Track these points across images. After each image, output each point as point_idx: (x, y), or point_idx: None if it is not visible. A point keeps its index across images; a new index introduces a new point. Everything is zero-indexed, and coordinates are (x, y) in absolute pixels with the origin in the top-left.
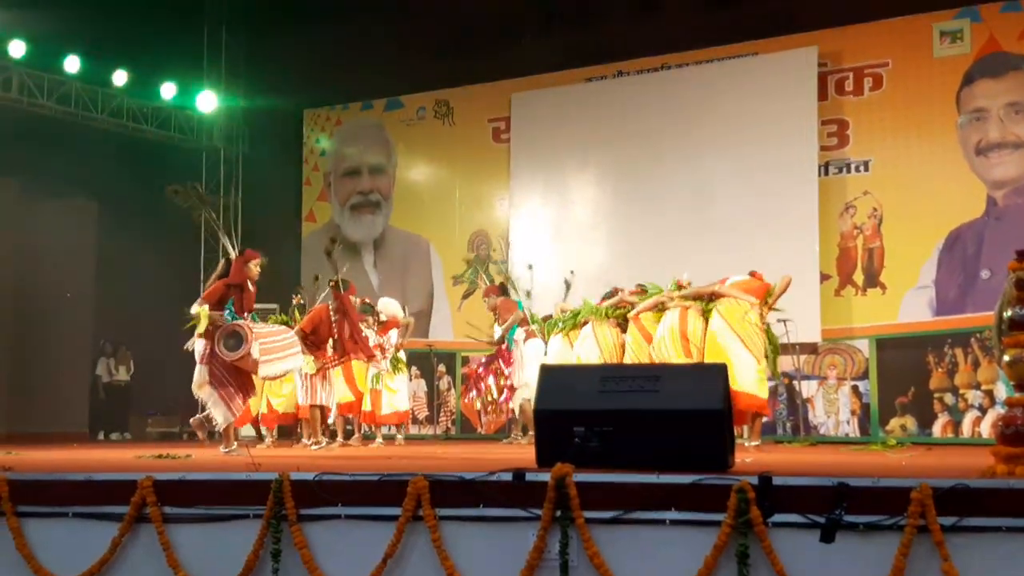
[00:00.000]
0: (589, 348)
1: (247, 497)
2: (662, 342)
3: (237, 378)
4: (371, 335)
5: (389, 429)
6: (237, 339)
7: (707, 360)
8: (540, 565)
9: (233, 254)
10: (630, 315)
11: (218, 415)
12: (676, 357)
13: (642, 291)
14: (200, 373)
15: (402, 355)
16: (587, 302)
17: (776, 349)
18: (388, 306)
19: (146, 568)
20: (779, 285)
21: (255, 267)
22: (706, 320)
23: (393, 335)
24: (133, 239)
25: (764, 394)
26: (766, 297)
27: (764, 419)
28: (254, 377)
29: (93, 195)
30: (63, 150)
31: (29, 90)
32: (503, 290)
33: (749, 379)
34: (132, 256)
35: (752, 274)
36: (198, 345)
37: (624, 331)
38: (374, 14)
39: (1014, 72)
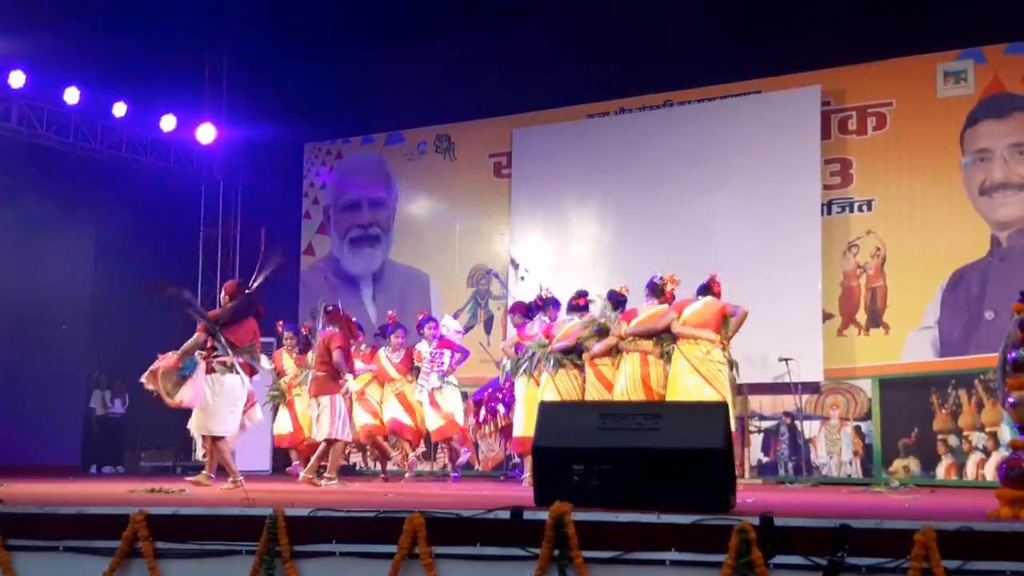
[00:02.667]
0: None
1: (241, 533)
2: (625, 393)
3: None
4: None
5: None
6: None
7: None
8: None
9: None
10: (585, 357)
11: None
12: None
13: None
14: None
15: (453, 379)
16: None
17: (735, 388)
18: (450, 325)
19: None
20: (735, 320)
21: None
22: (666, 361)
23: (447, 355)
24: (130, 271)
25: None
26: (724, 320)
27: (766, 459)
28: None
29: (91, 226)
30: (62, 181)
31: (29, 121)
32: (529, 310)
33: None
34: (128, 288)
35: (712, 285)
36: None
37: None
38: (376, 48)
39: (1018, 113)
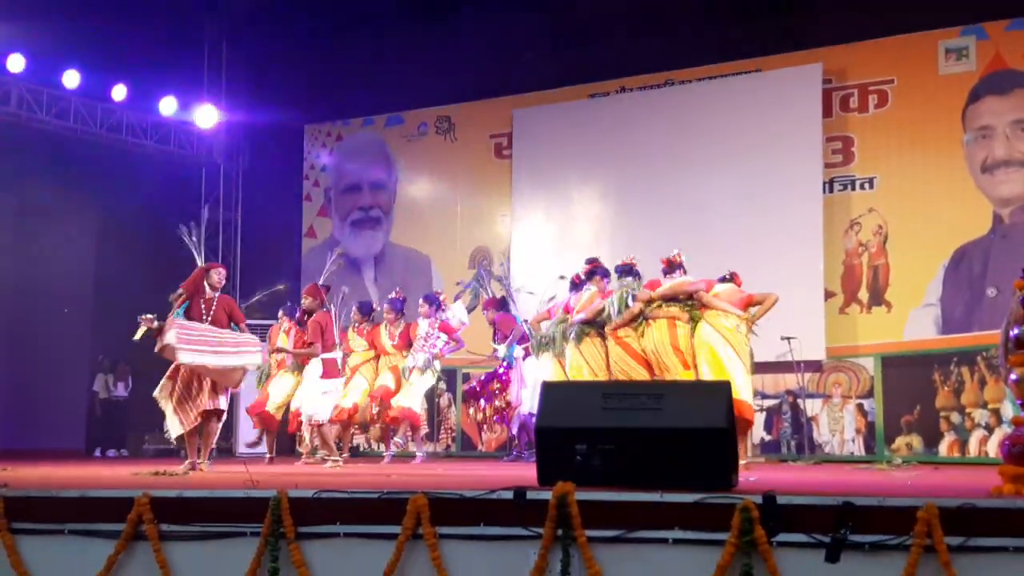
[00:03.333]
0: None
1: (245, 514)
2: (654, 353)
3: (196, 390)
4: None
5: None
6: (160, 331)
7: (704, 370)
8: None
9: (200, 263)
10: (607, 330)
11: (171, 427)
12: (676, 370)
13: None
14: (161, 384)
15: (437, 365)
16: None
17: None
18: (457, 314)
19: None
20: (765, 304)
21: (215, 275)
22: (692, 329)
23: (442, 339)
24: (132, 254)
25: (748, 396)
26: (748, 308)
27: (768, 438)
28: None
29: (92, 210)
30: (62, 165)
31: (28, 105)
32: (502, 305)
33: (746, 390)
34: (130, 271)
35: (733, 276)
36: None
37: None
38: (375, 30)
39: (1020, 90)
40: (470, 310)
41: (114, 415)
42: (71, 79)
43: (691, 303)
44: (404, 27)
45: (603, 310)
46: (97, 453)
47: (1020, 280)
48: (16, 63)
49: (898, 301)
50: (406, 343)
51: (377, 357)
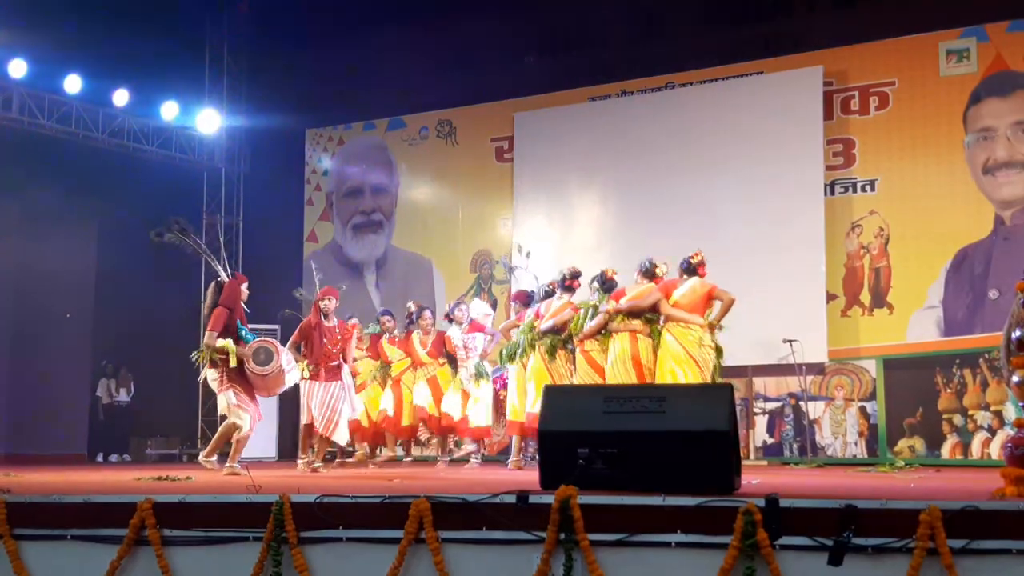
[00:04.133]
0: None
1: (247, 519)
2: (614, 369)
3: (253, 397)
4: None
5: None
6: (267, 354)
7: (667, 380)
8: None
9: (225, 277)
10: (575, 341)
11: (244, 424)
12: (631, 382)
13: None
14: (226, 399)
15: (487, 366)
16: (528, 324)
17: (719, 369)
18: (479, 308)
19: None
20: (722, 307)
21: (246, 289)
22: (655, 340)
23: (480, 339)
24: (133, 259)
25: None
26: (710, 303)
27: (771, 440)
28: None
29: (93, 215)
30: (64, 170)
31: (30, 110)
32: (529, 298)
33: None
34: (132, 276)
35: (698, 266)
36: (211, 375)
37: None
38: (377, 34)
39: (1021, 91)
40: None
41: (117, 420)
42: (73, 84)
43: (653, 316)
44: (405, 31)
45: (570, 320)
46: (100, 458)
47: (1022, 282)
48: (18, 69)
49: (900, 303)
50: (439, 351)
51: (413, 365)
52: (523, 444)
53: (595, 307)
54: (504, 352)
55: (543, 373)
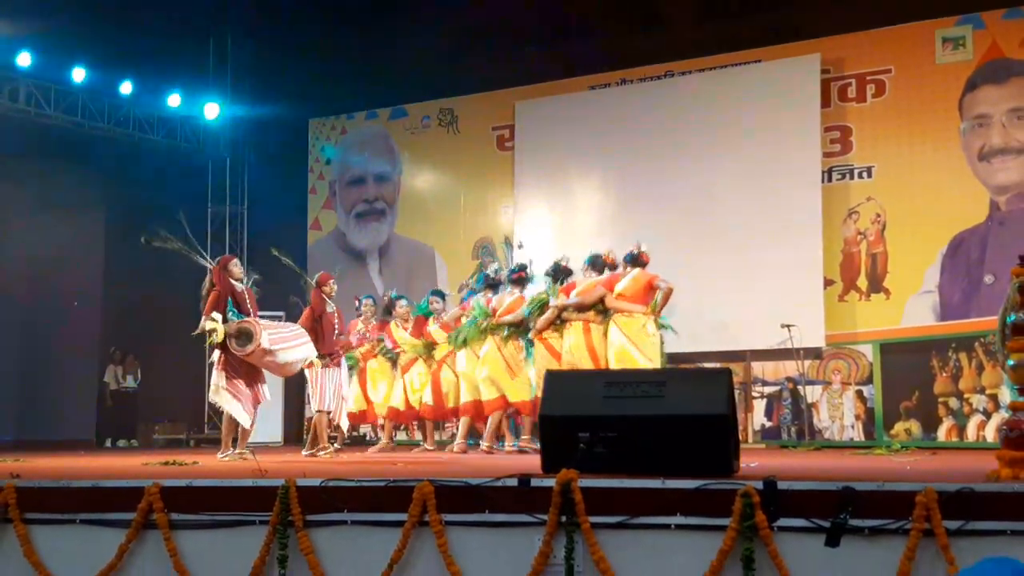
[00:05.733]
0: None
1: (254, 503)
2: (570, 356)
3: (250, 381)
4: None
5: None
6: (247, 335)
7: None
8: (545, 570)
9: (209, 264)
10: (531, 334)
11: (241, 418)
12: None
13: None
14: (216, 378)
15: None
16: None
17: (664, 357)
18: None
19: (153, 574)
20: (662, 295)
21: (234, 267)
22: (605, 333)
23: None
24: (139, 248)
25: None
26: (652, 290)
27: (769, 424)
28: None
29: (100, 204)
30: (70, 159)
31: (36, 100)
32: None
33: None
34: (139, 264)
35: (640, 255)
36: (216, 355)
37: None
38: (379, 24)
39: (1016, 78)
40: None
41: (124, 406)
42: (78, 75)
43: (602, 307)
44: (407, 20)
45: (525, 316)
46: (108, 444)
47: (1017, 267)
48: (24, 59)
49: (896, 288)
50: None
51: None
52: (469, 428)
53: (545, 300)
54: (457, 337)
55: (497, 360)
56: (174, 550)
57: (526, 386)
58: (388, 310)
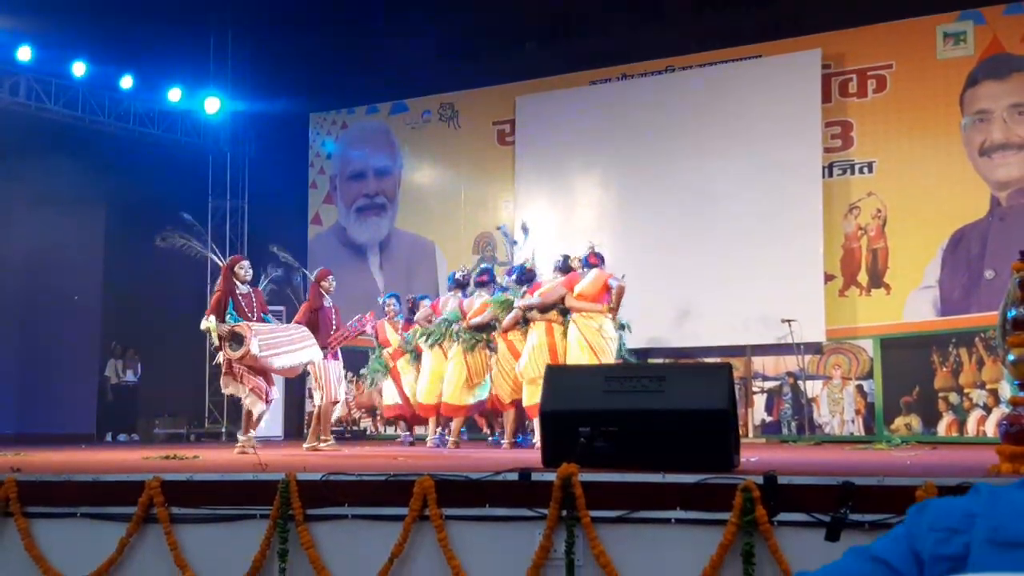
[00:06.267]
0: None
1: (254, 497)
2: (532, 355)
3: (259, 372)
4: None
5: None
6: (238, 340)
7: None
8: (546, 564)
9: (221, 263)
10: (496, 333)
11: (254, 407)
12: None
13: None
14: (224, 378)
15: None
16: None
17: (624, 351)
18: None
19: (154, 568)
20: (615, 293)
21: (240, 270)
22: (565, 333)
23: None
24: (140, 242)
25: None
26: (608, 291)
27: (769, 419)
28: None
29: (100, 198)
30: (70, 154)
31: (37, 95)
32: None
33: None
34: (140, 258)
35: (590, 257)
36: (221, 356)
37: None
38: (379, 18)
39: (1017, 74)
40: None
41: (125, 400)
42: (79, 69)
43: (563, 307)
44: (408, 15)
45: (497, 315)
46: (108, 438)
47: (1018, 262)
48: (24, 54)
49: (897, 283)
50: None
51: None
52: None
53: (510, 301)
54: (427, 337)
55: (461, 362)
56: (175, 544)
57: (474, 390)
58: (412, 311)
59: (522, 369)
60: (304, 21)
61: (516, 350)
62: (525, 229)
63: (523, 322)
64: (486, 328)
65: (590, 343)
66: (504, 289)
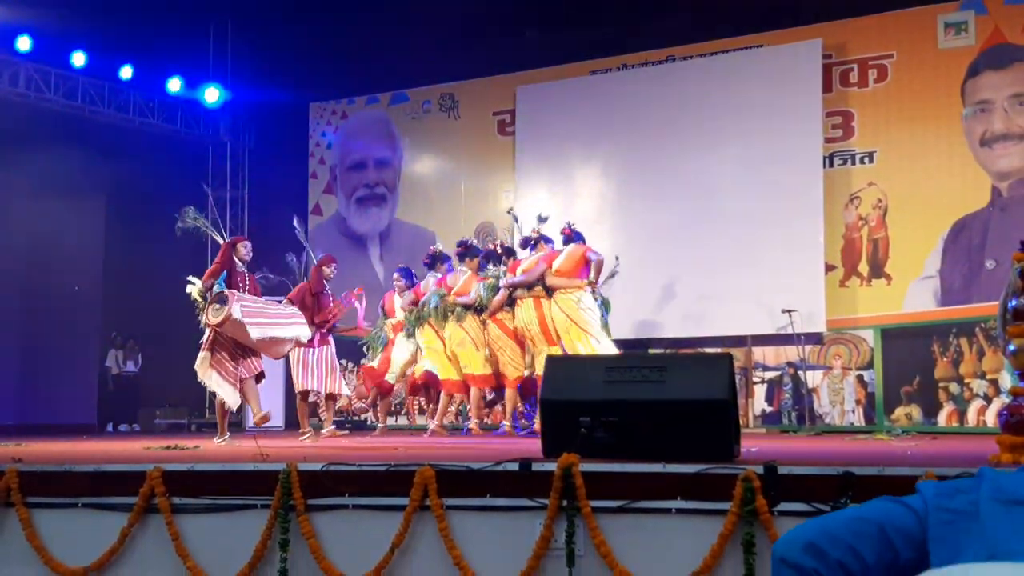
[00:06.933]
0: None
1: (255, 487)
2: (524, 329)
3: (236, 356)
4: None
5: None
6: (220, 300)
7: (566, 345)
8: (546, 554)
9: (221, 240)
10: (484, 316)
11: (227, 397)
12: (541, 345)
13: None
14: (201, 354)
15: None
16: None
17: (607, 328)
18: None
19: (155, 558)
20: (594, 266)
21: (242, 248)
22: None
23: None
24: (141, 232)
25: None
26: (587, 265)
27: (769, 409)
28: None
29: (101, 188)
30: (70, 144)
31: (36, 85)
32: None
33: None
34: (140, 248)
35: (564, 230)
36: (207, 335)
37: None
38: (379, 8)
39: (1019, 64)
40: None
41: (126, 390)
42: (79, 59)
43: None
44: (407, 5)
45: (478, 298)
46: (109, 428)
47: (1018, 252)
48: (24, 44)
49: (898, 273)
50: None
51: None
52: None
53: (495, 283)
54: (413, 317)
55: (460, 334)
56: (176, 534)
57: (483, 362)
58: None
59: (528, 344)
60: (304, 11)
61: (507, 328)
62: (541, 218)
63: (509, 303)
64: (471, 307)
65: (573, 319)
66: (484, 266)
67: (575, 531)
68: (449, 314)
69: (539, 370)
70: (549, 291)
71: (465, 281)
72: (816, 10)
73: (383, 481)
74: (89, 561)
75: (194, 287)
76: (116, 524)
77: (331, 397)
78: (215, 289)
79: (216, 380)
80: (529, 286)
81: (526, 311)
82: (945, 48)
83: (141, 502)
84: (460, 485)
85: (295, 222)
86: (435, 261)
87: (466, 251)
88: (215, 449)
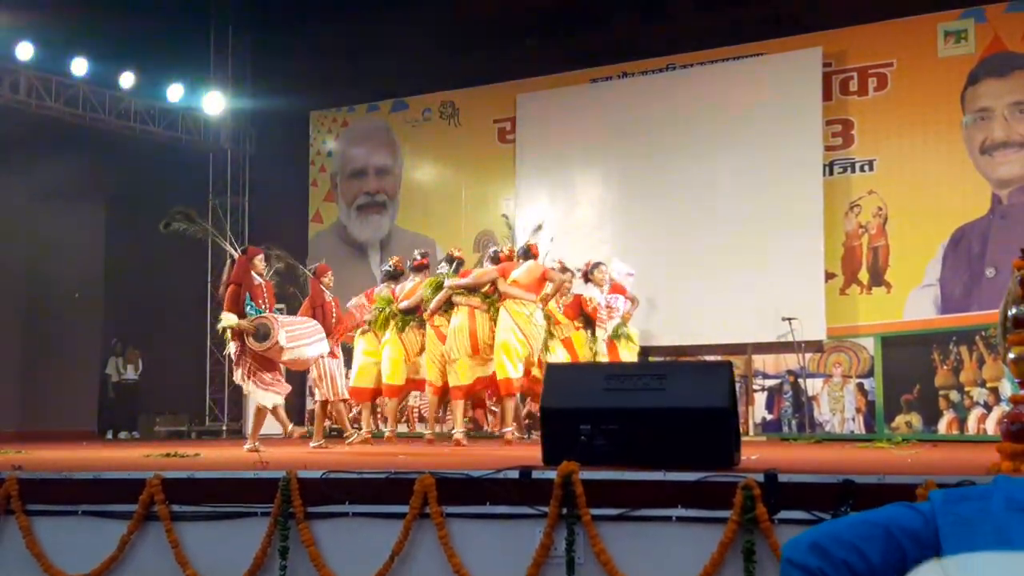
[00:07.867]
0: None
1: (255, 495)
2: (452, 338)
3: (268, 365)
4: None
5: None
6: (264, 332)
7: (500, 351)
8: (546, 562)
9: (235, 254)
10: (425, 315)
11: (265, 401)
12: (464, 353)
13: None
14: (237, 373)
15: (633, 329)
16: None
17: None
18: (620, 268)
19: (154, 565)
20: (553, 287)
21: (259, 262)
22: (493, 319)
23: (621, 300)
24: (141, 239)
25: (517, 374)
26: (543, 283)
27: (770, 417)
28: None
29: (101, 196)
30: (71, 152)
31: (37, 92)
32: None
33: (518, 369)
34: (140, 256)
35: (531, 248)
36: (232, 348)
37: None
38: (380, 16)
39: (1019, 72)
40: None
41: (126, 398)
42: (79, 67)
43: (493, 295)
44: (408, 13)
45: (426, 297)
46: (109, 435)
47: (1018, 260)
48: (25, 51)
49: (898, 282)
50: (576, 313)
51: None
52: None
53: (440, 282)
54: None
55: (397, 344)
56: (176, 541)
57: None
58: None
59: (445, 350)
60: (304, 20)
61: (442, 334)
62: (539, 228)
63: (447, 306)
64: (415, 311)
65: (521, 329)
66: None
67: (575, 539)
68: (391, 320)
69: (455, 379)
70: (491, 303)
71: (411, 288)
72: (816, 18)
73: (383, 489)
74: (89, 569)
75: (231, 323)
76: (116, 532)
77: (344, 402)
78: (249, 313)
79: (253, 388)
80: (472, 290)
81: (459, 318)
82: (945, 56)
83: (141, 510)
84: (460, 493)
85: (275, 251)
86: (417, 270)
87: (426, 268)
88: (215, 457)
